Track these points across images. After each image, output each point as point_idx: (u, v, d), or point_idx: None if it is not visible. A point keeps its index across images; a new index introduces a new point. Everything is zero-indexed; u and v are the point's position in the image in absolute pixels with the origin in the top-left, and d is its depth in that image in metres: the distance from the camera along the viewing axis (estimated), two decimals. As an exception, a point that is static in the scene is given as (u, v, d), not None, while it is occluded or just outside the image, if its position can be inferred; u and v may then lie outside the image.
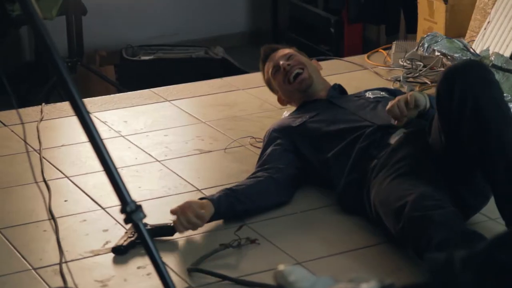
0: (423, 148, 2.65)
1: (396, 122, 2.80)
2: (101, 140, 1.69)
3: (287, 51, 3.18)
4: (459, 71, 2.52)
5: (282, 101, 3.26)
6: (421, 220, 2.35)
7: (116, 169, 1.71)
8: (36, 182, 2.96)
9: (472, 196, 2.62)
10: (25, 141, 3.20)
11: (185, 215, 2.61)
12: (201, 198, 2.72)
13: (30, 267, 2.56)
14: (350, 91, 3.82)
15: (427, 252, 2.25)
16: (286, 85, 3.14)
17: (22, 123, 3.33)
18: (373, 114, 2.93)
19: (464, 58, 3.61)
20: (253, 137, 3.35)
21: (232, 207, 2.72)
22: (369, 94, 3.12)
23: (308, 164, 2.94)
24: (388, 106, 2.80)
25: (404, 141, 2.72)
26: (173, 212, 2.64)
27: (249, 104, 3.72)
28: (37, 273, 2.53)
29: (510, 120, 2.48)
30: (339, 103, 3.07)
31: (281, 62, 3.13)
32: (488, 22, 3.95)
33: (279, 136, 3.00)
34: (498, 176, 2.44)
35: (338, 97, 3.14)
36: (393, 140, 2.74)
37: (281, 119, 3.17)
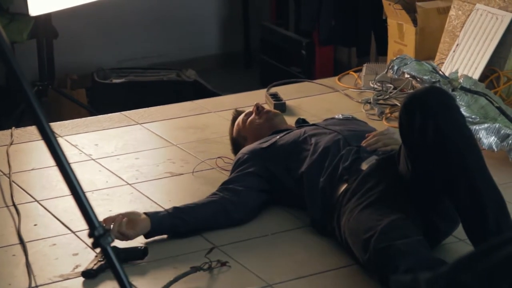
0: (394, 175, 2.64)
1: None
2: (68, 164, 1.68)
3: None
4: (418, 99, 2.50)
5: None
6: (387, 251, 2.37)
7: (83, 193, 1.70)
8: (6, 206, 2.94)
9: (442, 222, 2.63)
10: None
11: (114, 226, 2.67)
12: (146, 213, 2.76)
13: (-1, 292, 2.54)
14: (321, 113, 3.85)
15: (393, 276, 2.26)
16: (257, 119, 3.22)
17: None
18: (343, 127, 2.99)
19: (433, 80, 3.64)
20: (220, 157, 3.36)
21: (176, 227, 2.79)
22: (338, 116, 3.16)
23: (280, 185, 2.94)
24: (366, 142, 2.85)
25: (375, 168, 2.72)
26: (106, 220, 2.68)
27: (220, 126, 3.72)
28: (6, 298, 2.51)
29: (472, 144, 2.48)
30: (307, 124, 3.15)
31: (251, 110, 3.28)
32: (457, 45, 3.99)
33: (249, 159, 3.02)
34: (462, 201, 2.44)
35: (306, 123, 3.23)
36: (365, 166, 2.75)
37: (251, 144, 3.19)
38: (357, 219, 2.54)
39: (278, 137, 3.05)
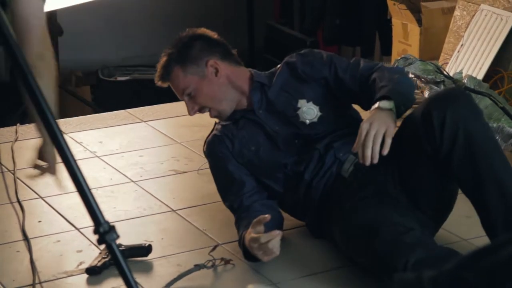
0: (379, 172, 2.63)
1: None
2: (75, 160, 1.69)
3: (179, 84, 2.78)
4: (450, 101, 2.50)
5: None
6: (395, 245, 2.37)
7: (89, 189, 1.71)
8: (11, 203, 2.95)
9: (434, 212, 2.64)
10: (-1, 162, 3.20)
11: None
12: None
13: (3, 288, 2.55)
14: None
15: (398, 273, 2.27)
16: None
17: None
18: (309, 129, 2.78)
19: (438, 80, 3.64)
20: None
21: None
22: (302, 116, 2.79)
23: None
24: (354, 147, 2.57)
25: (357, 170, 2.68)
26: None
27: (224, 125, 3.72)
28: (10, 294, 2.52)
29: (497, 147, 2.51)
30: (268, 122, 2.78)
31: (187, 106, 2.81)
32: (462, 45, 3.99)
33: (225, 159, 2.79)
34: (491, 203, 2.46)
35: (263, 107, 2.80)
36: (346, 172, 2.69)
37: (213, 139, 2.84)
38: (354, 221, 2.54)
39: (241, 144, 2.79)
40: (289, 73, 2.83)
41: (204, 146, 2.87)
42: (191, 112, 2.80)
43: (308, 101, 2.78)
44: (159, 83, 2.83)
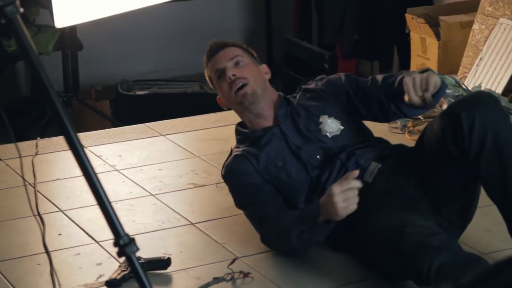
0: (402, 177, 2.66)
1: (407, 98, 2.63)
2: (95, 174, 1.71)
3: (235, 52, 2.88)
4: (478, 103, 2.51)
5: (222, 104, 2.96)
6: (421, 247, 2.37)
7: (109, 202, 1.72)
8: (31, 216, 2.97)
9: (456, 217, 2.67)
10: (22, 176, 3.22)
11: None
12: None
13: (24, 301, 2.56)
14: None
15: (428, 278, 2.27)
16: (229, 94, 2.86)
17: (19, 157, 3.35)
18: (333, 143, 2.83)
19: (456, 94, 3.64)
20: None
21: None
22: (324, 129, 2.85)
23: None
24: (405, 79, 2.62)
25: (380, 175, 2.71)
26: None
27: (243, 138, 3.73)
28: (30, 306, 2.53)
29: None
30: (291, 137, 2.83)
31: (227, 69, 2.84)
32: (480, 59, 3.99)
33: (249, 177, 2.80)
34: None
35: (288, 122, 2.86)
36: (369, 177, 2.72)
37: (234, 159, 2.86)
38: (376, 224, 2.54)
39: (268, 161, 2.81)
40: (309, 96, 2.91)
41: (222, 170, 2.88)
42: (229, 73, 2.83)
43: (330, 116, 2.84)
44: (207, 53, 2.91)
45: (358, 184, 2.50)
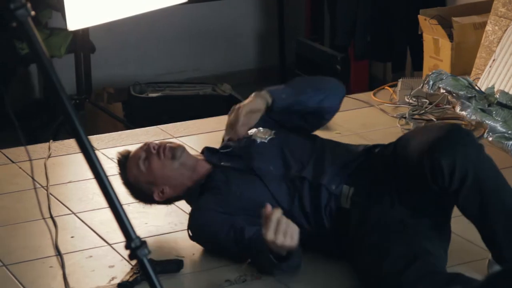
0: (380, 198, 2.66)
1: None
2: (106, 176, 1.71)
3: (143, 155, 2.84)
4: (458, 144, 2.51)
5: (162, 198, 2.88)
6: (400, 276, 2.41)
7: (121, 205, 1.72)
8: (43, 218, 2.98)
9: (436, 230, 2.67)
10: (32, 178, 3.22)
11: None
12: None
13: (36, 303, 2.57)
14: (356, 127, 3.82)
15: None
16: (168, 161, 2.82)
17: (30, 160, 3.35)
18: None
19: (469, 95, 3.63)
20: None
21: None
22: (258, 137, 2.87)
23: None
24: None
25: (356, 198, 2.68)
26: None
27: (255, 141, 3.73)
28: (43, 309, 2.54)
29: (505, 182, 2.55)
30: (234, 166, 2.82)
31: (149, 148, 2.83)
32: (493, 60, 3.97)
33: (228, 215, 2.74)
34: (499, 240, 2.52)
35: (224, 157, 2.88)
36: (346, 202, 2.69)
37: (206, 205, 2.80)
38: (369, 252, 2.55)
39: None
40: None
41: (188, 231, 2.79)
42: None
43: (257, 127, 2.88)
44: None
45: (278, 213, 2.48)
